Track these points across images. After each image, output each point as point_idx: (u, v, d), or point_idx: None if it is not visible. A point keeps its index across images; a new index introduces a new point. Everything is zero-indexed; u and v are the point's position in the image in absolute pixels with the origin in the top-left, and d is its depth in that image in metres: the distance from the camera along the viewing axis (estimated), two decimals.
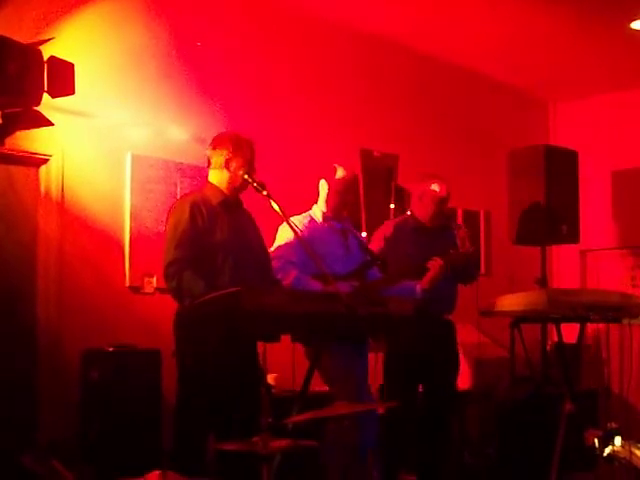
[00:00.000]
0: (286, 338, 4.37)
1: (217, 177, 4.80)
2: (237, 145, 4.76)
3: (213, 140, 4.88)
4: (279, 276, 4.96)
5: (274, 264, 5.01)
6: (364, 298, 4.37)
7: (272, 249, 5.11)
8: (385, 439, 5.44)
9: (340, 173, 5.36)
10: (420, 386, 5.91)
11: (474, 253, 5.74)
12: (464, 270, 5.73)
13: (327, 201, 5.37)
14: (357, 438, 4.79)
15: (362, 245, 5.46)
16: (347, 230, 5.42)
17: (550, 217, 7.39)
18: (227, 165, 4.74)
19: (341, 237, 5.35)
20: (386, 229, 5.99)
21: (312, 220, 5.35)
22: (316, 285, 4.79)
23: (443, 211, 5.94)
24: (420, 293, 5.42)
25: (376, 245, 5.82)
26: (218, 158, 4.77)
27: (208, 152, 4.86)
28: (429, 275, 5.44)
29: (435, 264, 5.46)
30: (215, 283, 4.40)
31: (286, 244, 5.03)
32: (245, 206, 4.95)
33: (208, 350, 4.31)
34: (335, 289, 4.16)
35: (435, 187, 5.86)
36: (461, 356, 6.25)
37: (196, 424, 4.45)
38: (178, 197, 6.03)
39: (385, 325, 4.56)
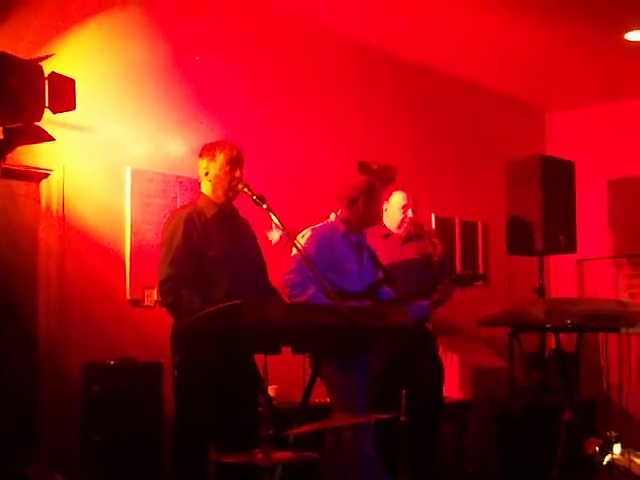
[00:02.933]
0: (286, 350, 4.39)
1: (206, 188, 4.79)
2: (211, 153, 4.74)
3: (200, 150, 4.87)
4: (296, 291, 4.96)
5: (292, 277, 5.00)
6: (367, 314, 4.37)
7: (291, 259, 5.10)
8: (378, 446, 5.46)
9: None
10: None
11: (481, 275, 5.81)
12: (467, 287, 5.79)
13: (349, 214, 5.39)
14: (357, 449, 4.80)
15: (375, 261, 5.47)
16: (362, 245, 5.43)
17: (547, 227, 7.43)
18: (206, 174, 4.74)
19: (356, 252, 5.36)
20: None
21: (333, 230, 5.36)
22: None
23: (411, 219, 6.01)
24: (428, 312, 5.47)
25: None
26: (200, 168, 4.78)
27: (197, 163, 4.86)
28: (436, 297, 5.48)
29: (446, 288, 5.48)
30: (212, 297, 4.40)
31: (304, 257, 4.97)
32: (242, 213, 4.92)
33: (208, 363, 4.32)
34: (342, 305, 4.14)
35: (399, 196, 5.97)
36: (460, 365, 6.28)
37: (196, 436, 4.45)
38: None
39: (385, 337, 4.58)
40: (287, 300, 4.98)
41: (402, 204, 5.95)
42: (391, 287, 5.42)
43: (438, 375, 6.01)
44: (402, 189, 6.07)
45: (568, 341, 6.24)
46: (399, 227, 5.98)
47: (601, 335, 9.01)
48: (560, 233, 7.64)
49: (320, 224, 5.42)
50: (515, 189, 7.68)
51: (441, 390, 6.06)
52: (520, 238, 7.55)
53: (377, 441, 5.17)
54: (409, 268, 5.77)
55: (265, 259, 5.01)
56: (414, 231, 6.00)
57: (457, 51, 8.52)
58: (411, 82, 8.84)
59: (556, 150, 9.69)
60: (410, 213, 5.95)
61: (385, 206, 5.98)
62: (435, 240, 5.78)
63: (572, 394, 6.06)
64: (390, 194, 6.01)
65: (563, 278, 10.22)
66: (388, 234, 6.00)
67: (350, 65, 8.22)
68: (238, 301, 3.77)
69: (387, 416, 4.18)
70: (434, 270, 5.62)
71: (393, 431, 5.61)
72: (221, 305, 3.88)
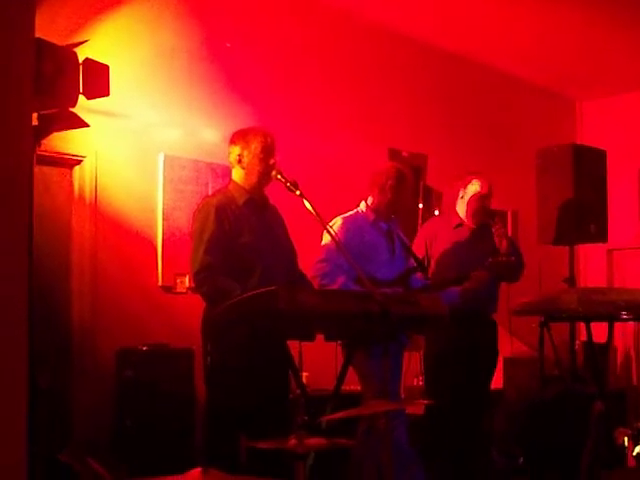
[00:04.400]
0: (317, 338, 4.39)
1: (238, 174, 4.76)
2: (245, 139, 4.70)
3: (230, 137, 4.84)
4: (325, 281, 4.94)
5: (322, 267, 4.99)
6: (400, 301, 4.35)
7: (320, 249, 5.10)
8: (425, 438, 5.47)
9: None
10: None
11: (518, 260, 5.72)
12: (509, 274, 5.72)
13: (379, 201, 5.37)
14: (390, 436, 4.80)
15: (406, 248, 5.45)
16: (393, 232, 5.41)
17: (578, 216, 7.37)
18: (239, 161, 4.71)
19: (387, 240, 5.34)
20: (428, 231, 5.99)
21: (363, 218, 5.35)
22: None
23: (485, 209, 5.94)
24: (459, 300, 5.44)
25: (420, 247, 5.80)
26: (232, 154, 4.75)
27: (228, 149, 4.82)
28: (470, 285, 5.44)
29: (479, 275, 5.45)
30: (245, 284, 4.39)
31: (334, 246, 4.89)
32: (272, 201, 4.91)
33: (242, 350, 4.33)
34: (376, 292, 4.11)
35: (477, 184, 5.87)
36: None
37: (229, 422, 4.46)
38: None
39: (418, 325, 4.57)
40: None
41: (480, 192, 5.87)
42: (423, 275, 5.39)
43: (494, 367, 6.00)
44: (481, 176, 5.96)
45: (598, 331, 6.19)
46: (473, 216, 5.89)
47: (632, 325, 9.00)
48: (591, 222, 7.56)
49: (350, 212, 5.40)
50: (546, 178, 7.58)
51: (489, 385, 6.06)
52: (550, 227, 7.48)
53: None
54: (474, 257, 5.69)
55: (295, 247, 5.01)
56: (485, 221, 5.89)
57: (489, 39, 8.50)
58: (443, 70, 8.81)
59: (588, 139, 9.62)
60: (486, 202, 5.89)
61: (461, 193, 5.91)
62: (502, 234, 5.70)
63: (602, 384, 6.01)
64: (468, 181, 5.92)
65: (593, 268, 10.15)
66: (460, 224, 5.91)
67: (382, 53, 8.21)
68: (274, 287, 3.76)
69: (422, 403, 4.17)
70: None
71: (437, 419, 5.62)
72: (257, 291, 3.87)
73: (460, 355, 5.65)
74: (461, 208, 5.95)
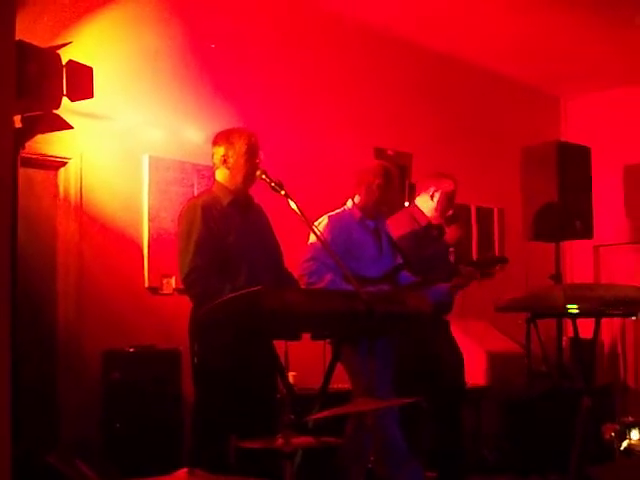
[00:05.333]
0: (305, 337, 4.39)
1: (222, 175, 4.77)
2: (229, 140, 4.70)
3: (213, 138, 4.84)
4: (312, 279, 4.94)
5: (309, 265, 4.98)
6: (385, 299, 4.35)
7: (307, 247, 5.09)
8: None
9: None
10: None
11: (503, 258, 5.76)
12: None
13: (366, 199, 5.37)
14: (380, 433, 4.80)
15: (393, 245, 5.45)
16: (380, 230, 5.41)
17: (564, 213, 7.40)
18: (224, 162, 4.72)
19: (375, 238, 5.34)
20: (399, 227, 5.98)
21: (349, 217, 5.34)
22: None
23: (452, 207, 5.98)
24: (447, 296, 5.45)
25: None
26: (216, 155, 4.75)
27: (212, 150, 4.82)
28: (458, 280, 5.46)
29: (468, 271, 5.47)
30: (232, 285, 4.38)
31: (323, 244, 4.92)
32: (257, 201, 4.90)
33: (228, 350, 4.33)
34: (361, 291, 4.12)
35: (448, 183, 5.90)
36: (475, 351, 6.24)
37: (217, 423, 4.46)
38: None
39: (403, 323, 4.57)
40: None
41: (450, 191, 5.88)
42: (410, 272, 5.40)
43: (459, 362, 5.98)
44: (450, 175, 5.97)
45: (585, 327, 6.22)
46: (443, 214, 5.90)
47: (618, 321, 9.04)
48: (576, 219, 7.60)
49: (337, 211, 5.41)
50: (531, 175, 7.63)
51: (463, 377, 6.04)
52: (536, 224, 7.51)
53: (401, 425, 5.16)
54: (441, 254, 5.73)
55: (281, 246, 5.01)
56: (450, 219, 5.94)
57: (472, 38, 8.51)
58: (427, 70, 8.83)
59: (571, 135, 9.64)
60: (453, 200, 5.91)
61: (431, 190, 5.90)
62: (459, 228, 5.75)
63: (589, 380, 6.03)
64: (441, 179, 5.92)
65: (579, 264, 10.18)
66: (429, 222, 5.89)
67: (367, 52, 8.21)
68: (259, 287, 3.77)
69: (408, 401, 4.17)
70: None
71: (414, 417, 5.62)
72: (242, 291, 3.88)
73: (422, 360, 5.65)
74: (429, 205, 5.92)
